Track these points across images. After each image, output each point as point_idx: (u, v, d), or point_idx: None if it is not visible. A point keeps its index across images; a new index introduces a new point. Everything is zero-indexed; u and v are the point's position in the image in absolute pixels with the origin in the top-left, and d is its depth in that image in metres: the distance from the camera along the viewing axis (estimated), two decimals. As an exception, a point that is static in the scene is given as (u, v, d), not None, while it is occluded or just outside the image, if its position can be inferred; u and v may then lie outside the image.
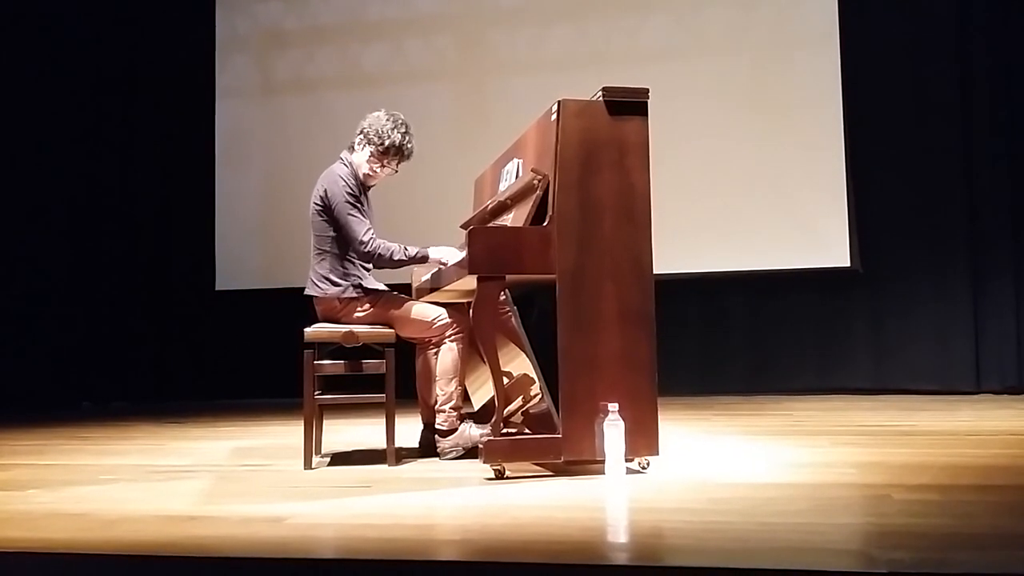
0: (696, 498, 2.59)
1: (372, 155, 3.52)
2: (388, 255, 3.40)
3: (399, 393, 3.36)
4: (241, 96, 7.22)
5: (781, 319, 6.17)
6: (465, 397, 3.58)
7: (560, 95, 2.99)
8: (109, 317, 7.19)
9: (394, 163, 3.57)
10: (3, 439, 4.63)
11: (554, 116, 2.96)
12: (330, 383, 3.53)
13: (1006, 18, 5.78)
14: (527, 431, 3.42)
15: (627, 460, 2.86)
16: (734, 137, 6.09)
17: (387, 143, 3.50)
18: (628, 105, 2.98)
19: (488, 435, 2.96)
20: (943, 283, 5.84)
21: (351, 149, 3.60)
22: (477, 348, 3.34)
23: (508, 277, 2.94)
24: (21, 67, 7.15)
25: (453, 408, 3.39)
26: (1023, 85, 5.75)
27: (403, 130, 3.53)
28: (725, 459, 3.30)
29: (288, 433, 4.50)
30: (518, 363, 3.31)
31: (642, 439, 2.90)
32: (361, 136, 3.54)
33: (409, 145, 3.55)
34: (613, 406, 2.80)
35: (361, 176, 3.55)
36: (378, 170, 3.55)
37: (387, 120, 3.52)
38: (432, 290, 3.61)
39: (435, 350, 3.49)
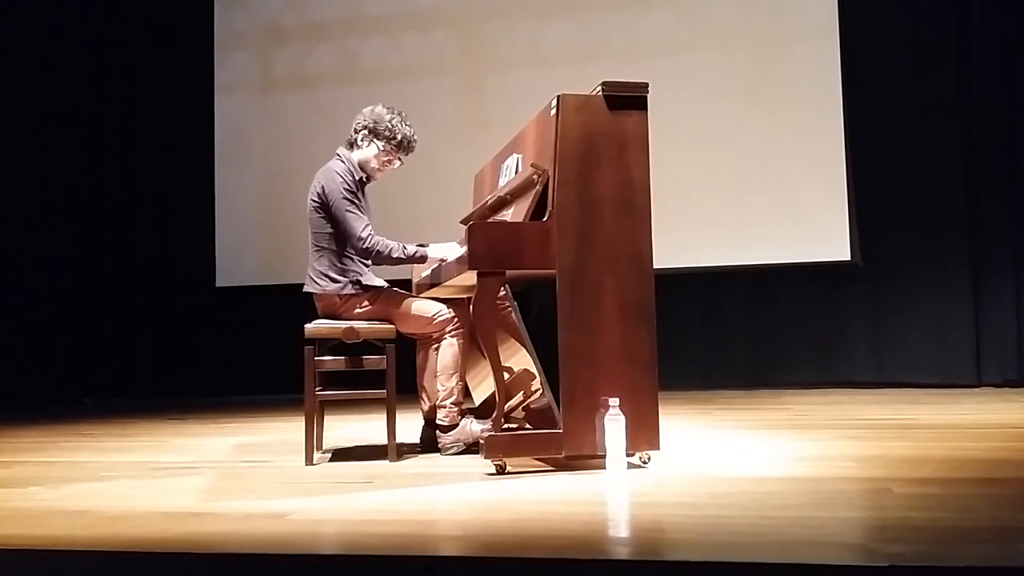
0: (697, 492, 2.59)
1: (384, 150, 3.55)
2: (387, 252, 3.40)
3: (400, 389, 3.36)
4: (240, 92, 7.21)
5: (782, 313, 6.17)
6: (466, 393, 3.58)
7: (559, 89, 2.99)
8: (109, 314, 7.19)
9: (402, 156, 3.61)
10: (4, 436, 4.63)
11: (553, 111, 2.95)
12: (331, 379, 3.53)
13: (1006, 11, 5.77)
14: (528, 426, 3.42)
15: (628, 455, 2.86)
16: (734, 131, 6.09)
17: (399, 137, 3.54)
18: (628, 99, 2.97)
19: (489, 430, 2.96)
20: (943, 276, 5.84)
21: (351, 146, 3.60)
22: (478, 343, 3.34)
23: (508, 272, 2.94)
24: (19, 66, 7.14)
25: (454, 404, 3.39)
26: (1023, 78, 5.74)
27: (408, 122, 3.59)
28: (726, 453, 3.31)
29: (289, 429, 4.50)
30: (519, 358, 3.31)
31: (643, 434, 2.91)
32: (366, 132, 3.55)
33: (415, 137, 3.61)
34: (614, 401, 2.80)
35: (369, 171, 3.58)
36: (388, 164, 3.58)
37: (391, 114, 3.56)
38: (432, 286, 3.61)
39: (436, 346, 3.49)
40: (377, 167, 3.58)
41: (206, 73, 7.22)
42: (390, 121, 3.53)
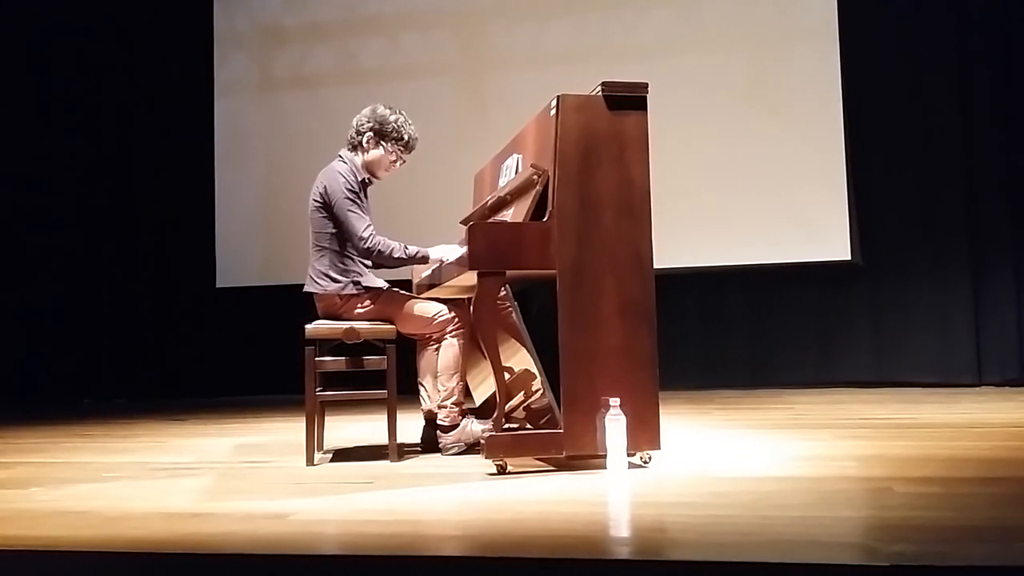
0: (698, 492, 2.59)
1: (391, 151, 3.58)
2: (388, 252, 3.41)
3: (400, 389, 3.36)
4: (240, 93, 7.21)
5: (782, 313, 6.17)
6: (467, 393, 3.58)
7: (559, 90, 2.99)
8: (110, 315, 7.20)
9: (406, 156, 3.63)
10: (5, 437, 4.63)
11: (553, 111, 2.95)
12: (331, 379, 3.53)
13: (1006, 11, 5.77)
14: (529, 426, 3.42)
15: (629, 454, 2.86)
16: (734, 131, 6.09)
17: (406, 137, 3.59)
18: (627, 100, 2.97)
19: (490, 430, 2.96)
20: (943, 276, 5.84)
21: (354, 148, 3.60)
22: (478, 344, 3.34)
23: (508, 273, 2.94)
24: (19, 65, 7.14)
25: (455, 404, 3.39)
26: (1023, 77, 5.74)
27: (410, 121, 3.62)
28: (727, 453, 3.31)
29: (290, 430, 4.50)
30: (519, 358, 3.31)
31: (643, 433, 2.91)
32: (371, 134, 3.56)
33: (417, 136, 3.66)
34: (614, 401, 2.80)
35: (376, 172, 3.60)
36: (394, 164, 3.63)
37: (394, 114, 3.59)
38: (432, 286, 3.61)
39: (436, 346, 3.49)
40: (385, 168, 3.61)
41: (206, 73, 7.22)
42: (395, 122, 3.56)
